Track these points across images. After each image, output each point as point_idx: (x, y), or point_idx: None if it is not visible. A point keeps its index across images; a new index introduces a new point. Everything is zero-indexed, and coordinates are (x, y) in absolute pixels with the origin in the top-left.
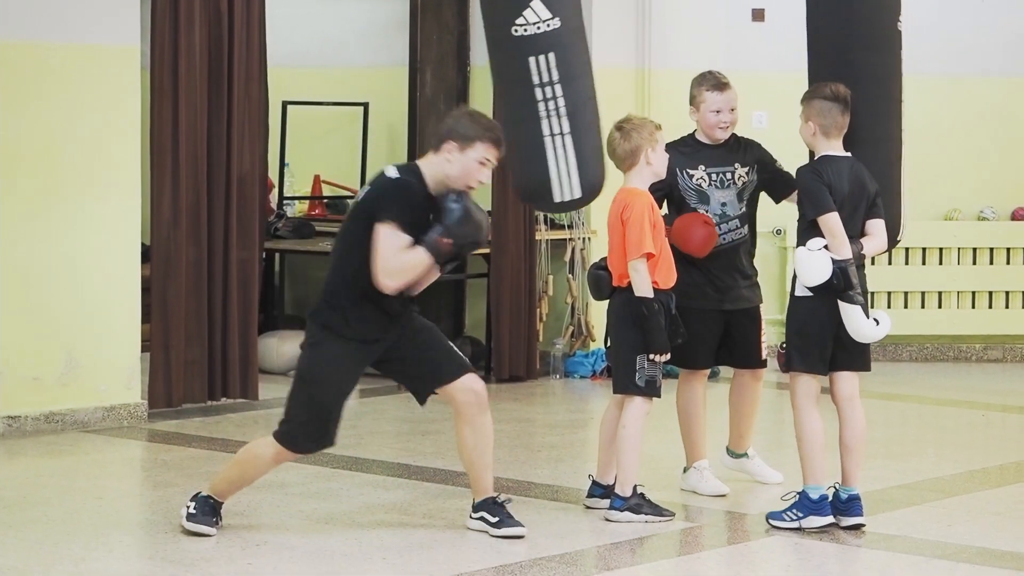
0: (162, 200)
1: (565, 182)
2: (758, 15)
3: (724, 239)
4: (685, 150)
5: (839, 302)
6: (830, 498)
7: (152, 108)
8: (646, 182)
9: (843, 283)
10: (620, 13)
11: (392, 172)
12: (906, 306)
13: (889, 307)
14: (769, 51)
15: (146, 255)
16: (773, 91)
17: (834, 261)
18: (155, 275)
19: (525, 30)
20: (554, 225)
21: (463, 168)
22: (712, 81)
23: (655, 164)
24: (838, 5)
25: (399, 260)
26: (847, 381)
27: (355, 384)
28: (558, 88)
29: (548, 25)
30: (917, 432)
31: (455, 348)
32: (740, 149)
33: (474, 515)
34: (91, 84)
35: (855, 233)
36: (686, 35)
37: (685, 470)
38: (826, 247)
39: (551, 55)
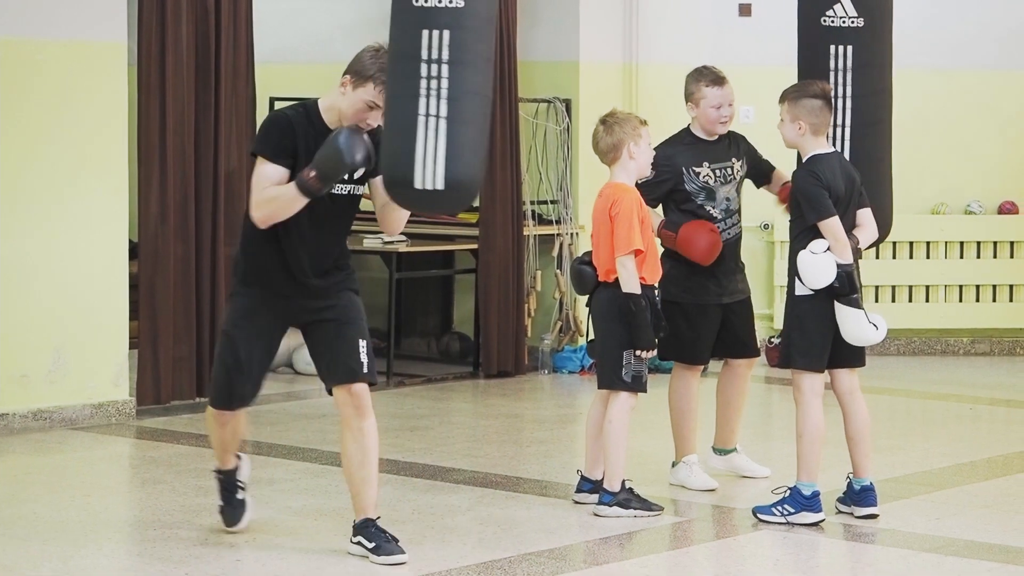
0: (150, 196)
1: (428, 169)
2: (745, 10)
3: (729, 234)
4: (688, 148)
5: (838, 305)
6: (844, 489)
7: (140, 104)
8: (631, 177)
9: (847, 287)
10: (607, 8)
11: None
12: (894, 300)
13: (877, 301)
14: (756, 46)
15: (134, 252)
16: (760, 86)
17: (838, 265)
18: (143, 272)
19: (427, 1)
20: (542, 220)
21: (352, 105)
22: (711, 76)
23: (638, 159)
24: None
25: (264, 193)
26: (846, 376)
27: (269, 337)
28: (445, 68)
29: (452, 2)
30: (905, 426)
31: (361, 349)
32: (733, 143)
33: (353, 538)
34: (79, 80)
35: (849, 227)
36: (673, 30)
37: (674, 464)
38: (828, 250)
39: (446, 33)
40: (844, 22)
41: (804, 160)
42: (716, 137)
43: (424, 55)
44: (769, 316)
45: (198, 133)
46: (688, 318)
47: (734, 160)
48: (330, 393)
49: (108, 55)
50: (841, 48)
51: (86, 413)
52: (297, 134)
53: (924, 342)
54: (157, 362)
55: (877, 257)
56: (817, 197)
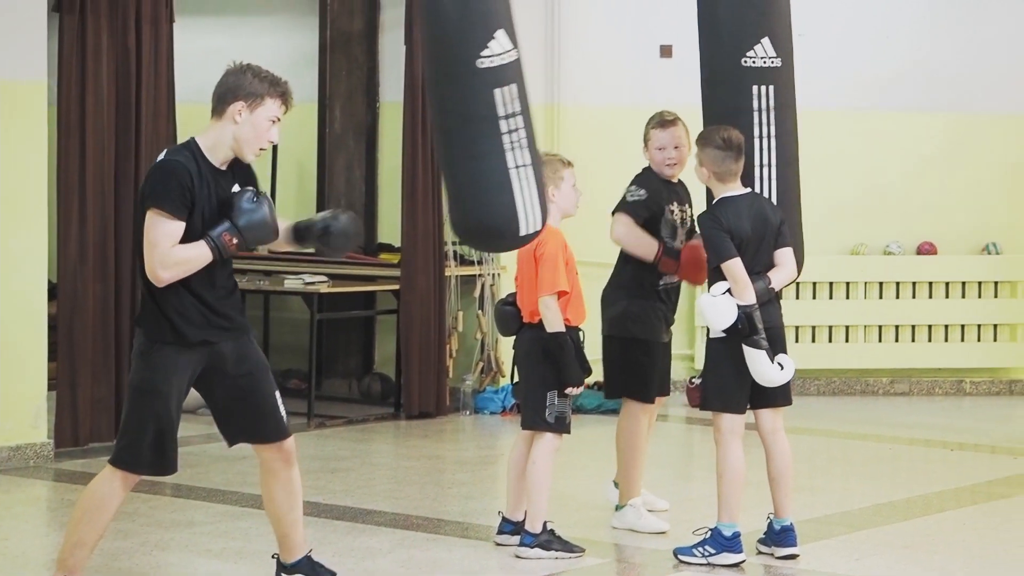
0: (69, 236)
1: (530, 214)
2: (666, 51)
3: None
4: (662, 185)
5: (744, 346)
6: (765, 529)
7: (59, 144)
8: (555, 218)
9: (748, 328)
10: (530, 49)
11: (161, 155)
12: (814, 340)
13: (797, 341)
14: (678, 86)
15: (52, 292)
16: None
17: (739, 306)
18: (62, 312)
19: (492, 61)
20: (464, 261)
21: (255, 128)
22: (657, 119)
23: (559, 201)
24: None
25: (173, 254)
26: (769, 416)
27: (184, 394)
28: (519, 120)
29: (511, 56)
30: (825, 466)
31: (279, 403)
32: (683, 189)
33: None
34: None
35: (764, 267)
36: (595, 71)
37: (619, 508)
38: (729, 291)
39: (513, 87)
40: (765, 62)
41: (713, 203)
42: (676, 180)
43: (501, 112)
44: (690, 356)
45: (118, 173)
46: (648, 354)
47: (687, 206)
48: (229, 445)
49: (28, 94)
50: (764, 88)
51: (3, 455)
52: (194, 183)
53: (844, 382)
54: (76, 403)
55: (797, 297)
56: (716, 239)
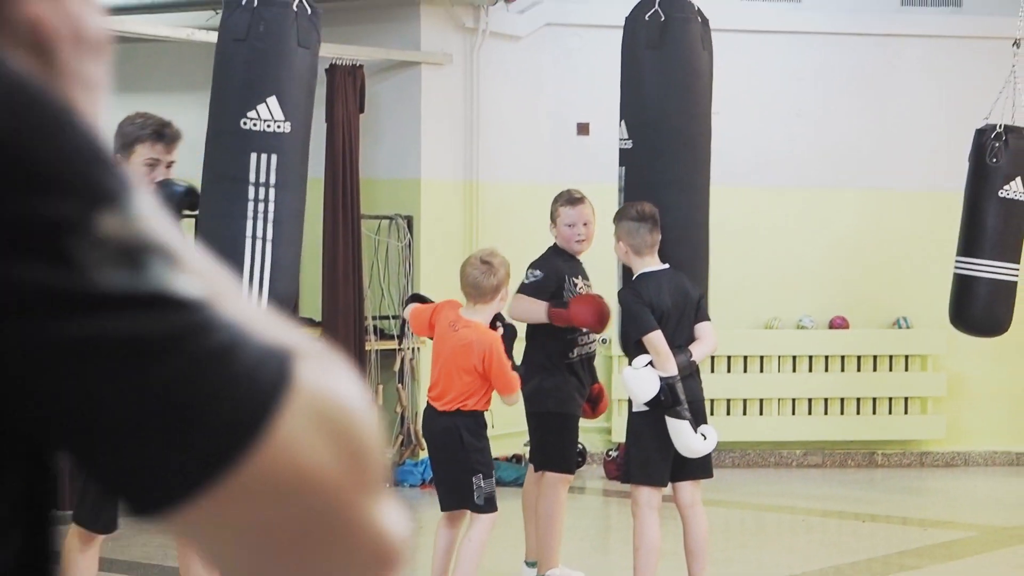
0: None
1: (253, 289)
2: (583, 129)
3: (589, 349)
4: (566, 261)
5: (667, 417)
6: None
7: None
8: (488, 318)
9: (670, 399)
10: (449, 127)
11: None
12: (728, 413)
13: (712, 414)
14: (594, 163)
15: None
16: (599, 201)
17: (661, 378)
18: None
19: (255, 125)
20: (384, 335)
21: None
22: (566, 197)
23: (505, 303)
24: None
25: None
26: (687, 489)
27: None
28: (272, 193)
29: (279, 127)
30: (740, 538)
31: None
32: (582, 266)
33: None
34: None
35: (685, 340)
36: (513, 148)
37: None
38: (651, 364)
39: (275, 157)
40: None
41: (633, 278)
42: (578, 255)
43: (252, 178)
44: (607, 429)
45: None
46: (565, 428)
47: (590, 283)
48: None
49: None
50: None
51: None
52: None
53: (758, 454)
54: None
55: (712, 371)
56: (638, 313)
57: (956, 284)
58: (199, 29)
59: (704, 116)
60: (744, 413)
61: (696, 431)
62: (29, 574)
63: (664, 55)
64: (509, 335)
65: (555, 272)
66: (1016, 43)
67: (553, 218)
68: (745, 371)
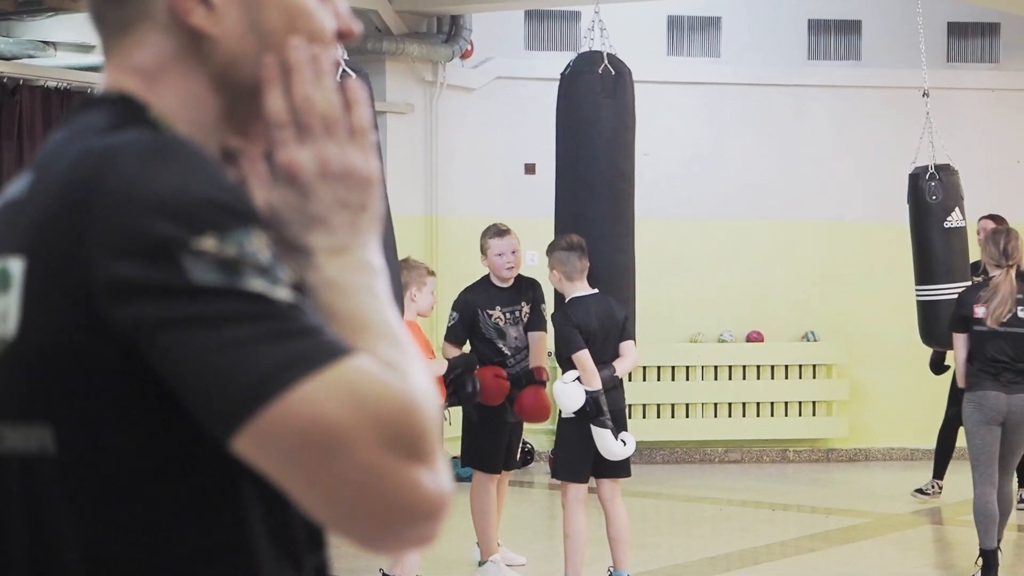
0: None
1: None
2: (530, 168)
3: (520, 367)
4: (483, 293)
5: (591, 425)
6: None
7: None
8: (412, 313)
9: (594, 410)
10: (411, 166)
11: None
12: (658, 416)
13: (644, 417)
14: (539, 199)
15: None
16: (542, 233)
17: (586, 392)
18: None
19: None
20: None
21: None
22: (495, 230)
23: (419, 302)
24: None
25: None
26: (609, 485)
27: None
28: None
29: None
30: (665, 526)
31: None
32: (526, 288)
33: None
34: None
35: (610, 357)
36: (468, 186)
37: (481, 563)
38: (578, 379)
39: None
40: None
41: (565, 302)
42: (509, 283)
43: None
44: (552, 431)
45: None
46: (500, 433)
47: (523, 304)
48: None
49: None
50: None
51: None
52: None
53: (684, 452)
54: None
55: (644, 379)
56: (567, 334)
57: (921, 310)
58: None
59: (632, 156)
60: (672, 416)
61: (617, 438)
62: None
63: (616, 103)
64: (464, 390)
65: (468, 309)
66: (925, 93)
67: (484, 250)
68: (673, 379)
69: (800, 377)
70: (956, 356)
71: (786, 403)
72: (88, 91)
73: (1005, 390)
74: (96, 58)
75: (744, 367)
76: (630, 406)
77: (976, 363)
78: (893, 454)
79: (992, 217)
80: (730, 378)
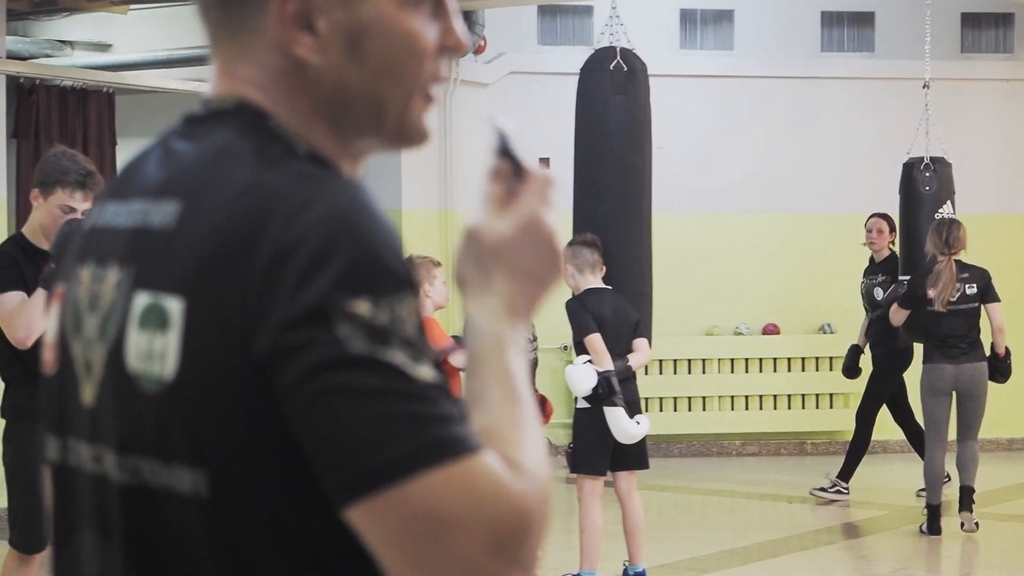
0: None
1: None
2: (544, 163)
3: (531, 355)
4: None
5: (604, 408)
6: (621, 574)
7: None
8: (429, 310)
9: (606, 390)
10: (425, 161)
11: None
12: (675, 409)
13: (661, 410)
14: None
15: None
16: (558, 228)
17: (598, 373)
18: None
19: None
20: None
21: (49, 215)
22: None
23: (433, 296)
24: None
25: (14, 310)
26: (625, 479)
27: None
28: None
29: None
30: (683, 519)
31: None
32: None
33: None
34: None
35: (622, 352)
36: (482, 180)
37: None
38: (590, 362)
39: None
40: None
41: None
42: None
43: None
44: (567, 425)
45: None
46: None
47: None
48: None
49: None
50: None
51: None
52: (20, 264)
53: (702, 445)
54: None
55: (661, 373)
56: (580, 319)
57: None
58: (205, 82)
59: (644, 151)
60: (689, 409)
61: (632, 418)
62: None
63: (628, 99)
64: None
65: None
66: (926, 85)
67: None
68: (690, 372)
69: (817, 369)
70: (892, 323)
71: (803, 395)
72: (105, 91)
73: (954, 362)
74: (112, 57)
75: (760, 360)
76: (647, 399)
77: (930, 340)
78: (910, 447)
79: (882, 216)
80: (747, 371)
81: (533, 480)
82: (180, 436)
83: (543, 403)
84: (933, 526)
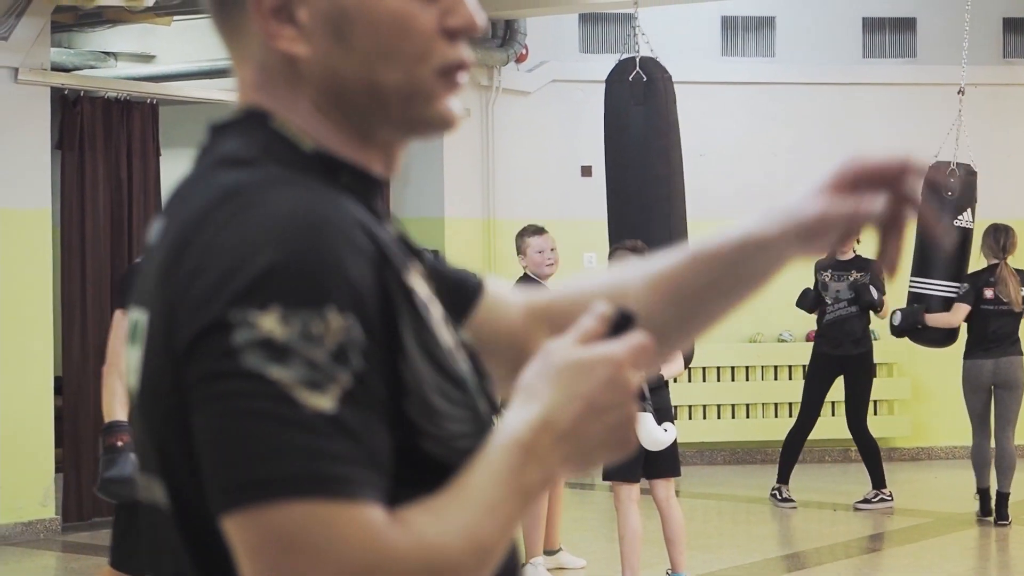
0: (72, 340)
1: None
2: (586, 171)
3: None
4: (531, 288)
5: None
6: None
7: (63, 261)
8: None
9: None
10: (468, 170)
11: None
12: (719, 416)
13: (704, 418)
14: (596, 201)
15: (59, 388)
16: (601, 236)
17: None
18: (66, 406)
19: None
20: None
21: None
22: (533, 228)
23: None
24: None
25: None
26: (662, 486)
27: None
28: None
29: None
30: (729, 527)
31: None
32: None
33: None
34: (11, 241)
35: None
36: (525, 188)
37: (523, 565)
38: None
39: None
40: None
41: None
42: (548, 281)
43: None
44: None
45: (113, 285)
46: None
47: None
48: None
49: (35, 220)
50: None
51: (17, 531)
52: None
53: (746, 452)
54: (80, 484)
55: (704, 380)
56: None
57: (911, 302)
58: None
59: (670, 160)
60: (733, 416)
61: (659, 425)
62: None
63: (647, 109)
64: None
65: None
66: (961, 90)
67: (522, 250)
68: (733, 379)
69: None
70: (951, 322)
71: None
72: (149, 102)
73: (992, 357)
74: (155, 68)
75: (804, 367)
76: (690, 407)
77: (973, 336)
78: (956, 453)
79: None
80: (790, 378)
81: (420, 551)
82: (144, 447)
83: None
84: (985, 508)
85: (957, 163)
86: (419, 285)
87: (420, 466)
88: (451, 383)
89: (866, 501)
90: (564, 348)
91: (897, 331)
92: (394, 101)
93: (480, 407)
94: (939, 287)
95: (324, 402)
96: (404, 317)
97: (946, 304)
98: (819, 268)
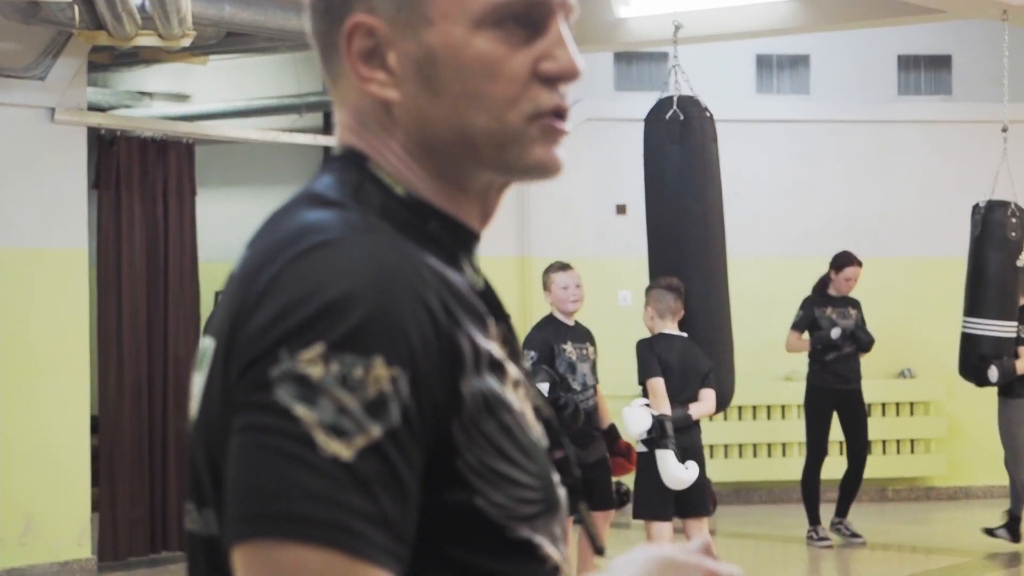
0: (108, 379)
1: None
2: (621, 209)
3: (587, 404)
4: (553, 330)
5: (656, 450)
6: None
7: (99, 299)
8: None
9: (659, 432)
10: (503, 208)
11: None
12: (755, 455)
13: (741, 456)
14: (631, 240)
15: (95, 426)
16: (636, 274)
17: (653, 415)
18: (103, 444)
19: None
20: None
21: None
22: (558, 265)
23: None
24: (671, 206)
25: None
26: (695, 526)
27: None
28: None
29: None
30: (767, 567)
31: None
32: (586, 331)
33: None
34: (48, 280)
35: (686, 400)
36: (560, 226)
37: None
38: (647, 405)
39: None
40: None
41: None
42: (572, 319)
43: None
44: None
45: (150, 324)
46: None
47: (589, 344)
48: None
49: (72, 259)
50: None
51: (53, 570)
52: None
53: (783, 491)
54: (116, 523)
55: (740, 418)
56: (646, 360)
57: (964, 342)
58: (283, 131)
59: (706, 199)
60: (769, 455)
61: (682, 463)
62: None
63: (683, 148)
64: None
65: (544, 345)
66: (1004, 128)
67: (547, 286)
68: (769, 418)
69: (897, 414)
70: None
71: (883, 441)
72: (185, 141)
73: None
74: (191, 107)
75: None
76: (726, 446)
77: None
78: (994, 492)
79: (859, 264)
80: None
81: None
82: (198, 475)
83: (628, 451)
84: (1015, 532)
85: (1016, 204)
86: (492, 347)
87: (474, 525)
88: (518, 448)
89: (993, 530)
90: (670, 549)
91: (992, 384)
92: (485, 146)
93: (550, 474)
94: (992, 327)
95: (343, 450)
96: (467, 378)
97: (998, 344)
98: (816, 304)
